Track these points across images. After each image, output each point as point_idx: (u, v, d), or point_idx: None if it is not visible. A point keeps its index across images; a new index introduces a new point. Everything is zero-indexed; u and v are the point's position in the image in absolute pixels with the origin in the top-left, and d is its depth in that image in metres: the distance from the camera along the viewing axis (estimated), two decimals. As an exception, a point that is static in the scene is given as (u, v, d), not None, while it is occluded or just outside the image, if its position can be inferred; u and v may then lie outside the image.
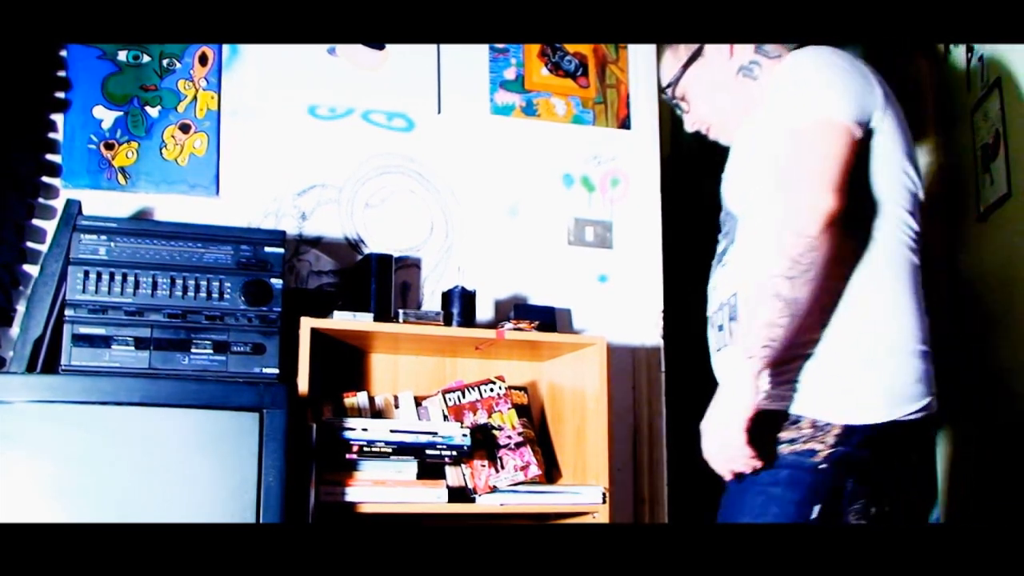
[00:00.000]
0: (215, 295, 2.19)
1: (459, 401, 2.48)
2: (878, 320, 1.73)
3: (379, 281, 2.46)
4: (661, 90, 2.03)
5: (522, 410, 2.61)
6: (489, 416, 2.49)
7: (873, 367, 1.71)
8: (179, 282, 2.17)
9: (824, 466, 1.68)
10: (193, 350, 2.15)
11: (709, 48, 1.95)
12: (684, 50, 1.98)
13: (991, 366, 2.42)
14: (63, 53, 2.59)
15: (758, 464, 1.69)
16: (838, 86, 1.73)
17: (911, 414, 1.71)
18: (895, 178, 1.78)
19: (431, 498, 2.29)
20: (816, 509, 1.68)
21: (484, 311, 2.75)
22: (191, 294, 2.17)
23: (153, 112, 2.64)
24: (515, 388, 2.65)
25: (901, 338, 1.73)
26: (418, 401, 2.52)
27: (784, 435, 1.71)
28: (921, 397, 1.72)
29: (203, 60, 2.69)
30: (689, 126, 2.05)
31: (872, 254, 1.75)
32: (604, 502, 2.40)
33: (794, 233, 1.65)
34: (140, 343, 2.12)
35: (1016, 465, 2.32)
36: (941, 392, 1.79)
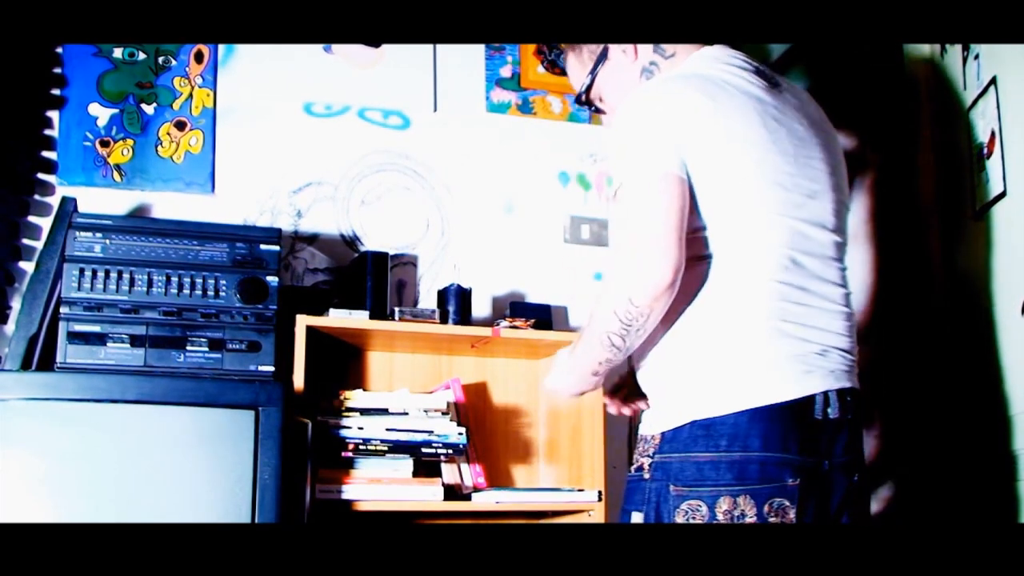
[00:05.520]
0: (211, 293, 2.18)
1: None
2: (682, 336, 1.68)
3: (375, 279, 2.46)
4: (577, 98, 1.96)
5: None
6: None
7: (669, 376, 1.71)
8: (175, 279, 2.17)
9: (648, 476, 1.68)
10: (188, 348, 2.15)
11: (613, 50, 1.88)
12: (588, 54, 1.92)
13: (985, 364, 2.43)
14: (59, 50, 2.58)
15: None
16: (648, 135, 1.65)
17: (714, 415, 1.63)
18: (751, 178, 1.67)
19: (427, 496, 2.29)
20: (634, 516, 1.69)
21: (481, 309, 2.75)
22: (186, 291, 2.17)
23: (148, 109, 2.63)
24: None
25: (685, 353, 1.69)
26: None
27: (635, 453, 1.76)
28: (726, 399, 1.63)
29: (199, 57, 2.69)
30: (609, 125, 1.97)
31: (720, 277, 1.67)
32: (600, 500, 2.41)
33: (625, 300, 1.59)
34: (135, 341, 2.12)
35: (1005, 466, 2.32)
36: (938, 391, 1.78)
